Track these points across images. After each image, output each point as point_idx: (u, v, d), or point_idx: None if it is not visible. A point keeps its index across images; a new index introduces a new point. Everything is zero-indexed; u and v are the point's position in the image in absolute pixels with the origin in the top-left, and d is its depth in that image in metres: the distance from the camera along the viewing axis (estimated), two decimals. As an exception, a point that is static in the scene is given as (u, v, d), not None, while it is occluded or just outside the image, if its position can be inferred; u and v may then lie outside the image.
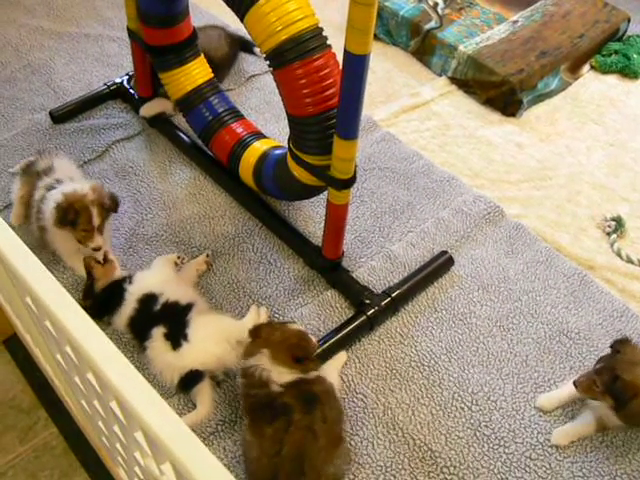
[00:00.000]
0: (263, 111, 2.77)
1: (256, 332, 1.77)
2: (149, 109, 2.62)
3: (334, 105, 1.79)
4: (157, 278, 1.99)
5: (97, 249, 2.03)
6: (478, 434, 1.86)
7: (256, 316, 2.00)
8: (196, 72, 2.39)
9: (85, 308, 0.92)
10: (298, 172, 1.98)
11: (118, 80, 2.75)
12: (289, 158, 1.99)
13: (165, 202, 2.38)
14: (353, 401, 1.90)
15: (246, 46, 2.98)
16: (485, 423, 1.88)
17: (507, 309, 2.15)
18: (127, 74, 2.77)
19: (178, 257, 2.13)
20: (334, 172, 1.85)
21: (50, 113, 2.63)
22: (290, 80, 1.80)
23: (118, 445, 1.19)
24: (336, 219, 2.00)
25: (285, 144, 2.40)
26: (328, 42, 1.80)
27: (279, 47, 1.76)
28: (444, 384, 1.96)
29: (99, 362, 0.82)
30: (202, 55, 2.42)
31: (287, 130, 2.59)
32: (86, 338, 0.83)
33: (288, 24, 1.74)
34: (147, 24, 2.28)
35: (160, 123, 2.63)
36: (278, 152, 2.15)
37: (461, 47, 2.90)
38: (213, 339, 1.85)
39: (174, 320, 1.86)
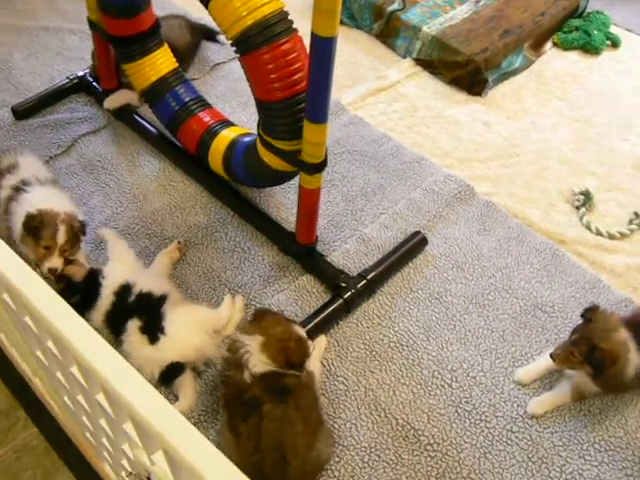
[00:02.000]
0: (229, 99, 2.75)
1: (260, 316, 1.76)
2: (114, 101, 2.59)
3: (302, 89, 1.78)
4: (124, 265, 1.97)
5: (52, 271, 1.96)
6: (459, 410, 1.88)
7: (231, 304, 1.99)
8: (161, 62, 2.37)
9: (73, 305, 0.90)
10: (268, 158, 1.97)
11: (81, 73, 2.71)
12: (259, 144, 1.98)
13: (135, 195, 2.36)
14: (334, 384, 1.91)
15: (209, 34, 2.96)
16: (466, 399, 1.90)
17: (482, 286, 2.17)
18: (89, 67, 2.72)
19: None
20: (305, 156, 1.84)
21: (12, 109, 2.59)
22: (257, 65, 1.79)
23: (104, 439, 1.17)
24: (309, 204, 2.00)
25: (254, 131, 2.39)
26: (294, 26, 1.80)
27: (245, 33, 1.75)
28: (423, 363, 1.97)
29: (85, 353, 0.81)
30: (166, 44, 2.40)
31: (255, 117, 2.59)
32: (71, 330, 0.82)
33: (253, 9, 1.73)
34: (108, 14, 2.25)
35: (126, 115, 2.60)
36: (247, 139, 2.14)
37: (425, 28, 2.91)
38: (191, 330, 1.84)
39: (149, 313, 1.84)
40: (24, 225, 1.95)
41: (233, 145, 2.16)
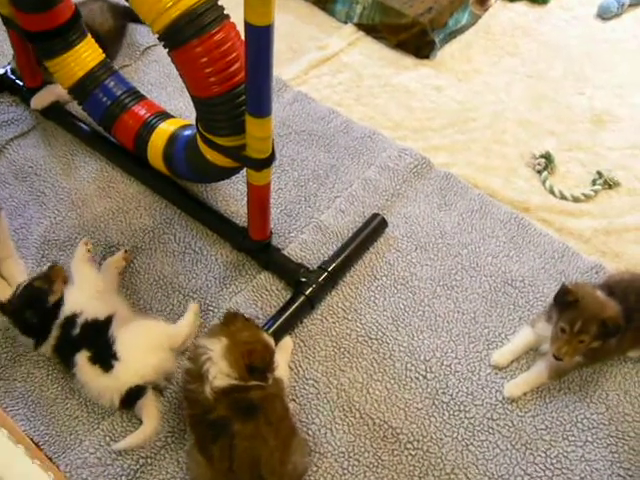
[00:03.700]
0: (165, 85, 2.58)
1: (229, 319, 1.67)
2: (41, 99, 2.40)
3: (241, 81, 1.65)
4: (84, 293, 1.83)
5: None
6: (437, 402, 1.81)
7: (195, 316, 1.88)
8: (86, 55, 2.18)
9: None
10: (211, 155, 1.84)
11: (1, 71, 2.50)
12: (199, 141, 1.84)
13: (74, 201, 2.20)
14: (304, 388, 1.82)
15: (135, 16, 2.74)
16: (442, 390, 1.83)
17: (448, 266, 2.08)
18: (9, 63, 2.51)
19: (86, 243, 1.95)
20: (250, 152, 1.72)
21: None
22: (189, 60, 1.65)
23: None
24: (259, 200, 1.88)
25: (194, 118, 2.25)
26: (225, 12, 1.65)
27: (172, 25, 1.61)
28: (395, 355, 1.89)
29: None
30: (89, 36, 2.21)
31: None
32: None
33: (178, -1, 1.58)
34: (21, 9, 2.05)
35: (55, 114, 2.42)
36: (187, 133, 2.00)
37: (365, -10, 2.76)
38: (147, 350, 1.72)
39: (96, 341, 1.72)
40: None
41: (173, 140, 2.02)
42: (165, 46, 1.67)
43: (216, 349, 1.58)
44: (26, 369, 1.84)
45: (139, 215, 2.17)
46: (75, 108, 2.38)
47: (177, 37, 1.62)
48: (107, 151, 2.32)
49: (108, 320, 1.75)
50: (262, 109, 1.60)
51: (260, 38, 1.47)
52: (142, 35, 2.76)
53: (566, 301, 1.75)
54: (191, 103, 2.43)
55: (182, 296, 1.98)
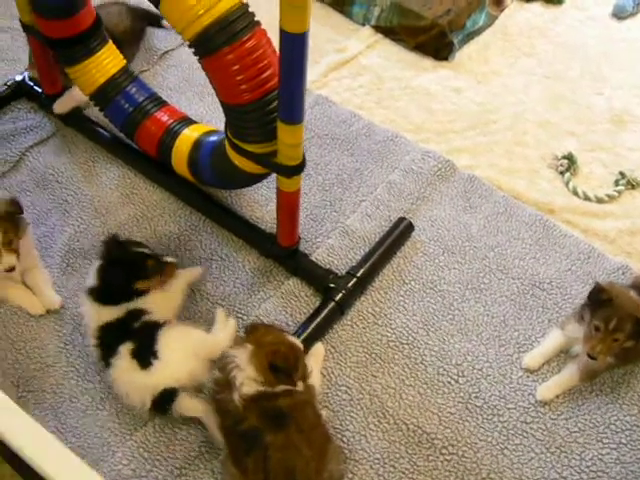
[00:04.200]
0: (184, 90, 2.56)
1: (253, 328, 1.69)
2: (64, 104, 2.38)
3: (273, 87, 1.65)
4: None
5: (10, 269, 1.80)
6: (470, 407, 1.80)
7: (226, 325, 1.86)
8: (107, 61, 2.17)
9: None
10: (239, 161, 1.83)
11: (19, 77, 2.48)
12: (228, 148, 1.83)
13: (97, 208, 2.19)
14: (337, 394, 1.81)
15: (153, 20, 2.74)
16: (475, 394, 1.82)
17: (476, 269, 2.08)
18: (26, 69, 2.48)
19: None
20: (281, 159, 1.71)
21: (-54, 127, 2.37)
22: (221, 68, 1.64)
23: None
24: (289, 206, 1.86)
25: (215, 123, 2.24)
26: (256, 19, 1.64)
27: (203, 33, 1.60)
28: (427, 360, 1.88)
29: None
30: (110, 42, 2.20)
31: (214, 108, 2.46)
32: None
33: (210, 6, 1.57)
34: (45, 17, 2.04)
35: (75, 120, 2.40)
36: (213, 139, 1.99)
37: (382, -7, 2.75)
38: (185, 354, 1.71)
39: (143, 337, 1.72)
40: None
41: (198, 146, 2.01)
42: (196, 53, 1.67)
43: (242, 356, 1.58)
44: (55, 380, 1.83)
45: (164, 222, 2.16)
46: (95, 113, 2.36)
47: (209, 45, 1.61)
48: (129, 157, 2.30)
49: (163, 324, 1.76)
50: (294, 116, 1.59)
51: (294, 45, 1.46)
52: (160, 39, 2.75)
53: (600, 299, 1.75)
54: (211, 108, 2.49)
55: (210, 303, 1.97)
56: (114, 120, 2.21)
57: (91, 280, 1.79)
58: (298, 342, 1.69)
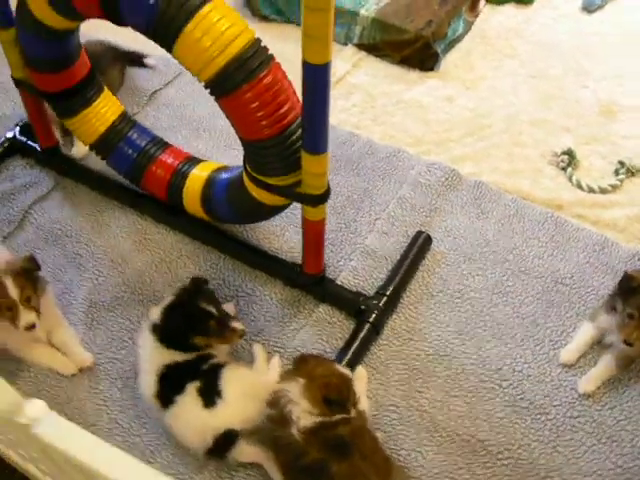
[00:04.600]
0: (179, 128, 2.55)
1: (301, 360, 1.68)
2: (82, 148, 2.36)
3: (292, 120, 1.65)
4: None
5: (29, 327, 1.75)
6: (517, 409, 1.82)
7: (264, 361, 1.87)
8: (105, 109, 2.16)
9: None
10: (258, 193, 1.82)
11: (9, 135, 2.44)
12: (247, 181, 1.83)
13: (112, 259, 2.16)
14: (386, 415, 1.81)
15: (134, 60, 2.71)
16: (519, 396, 1.84)
17: (498, 273, 2.10)
18: (17, 124, 2.46)
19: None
20: (307, 189, 1.71)
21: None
22: (240, 106, 1.63)
23: None
24: (315, 235, 1.87)
25: (215, 159, 2.23)
26: (269, 53, 1.64)
27: (221, 74, 1.59)
28: (467, 369, 1.90)
29: None
30: (106, 89, 2.19)
31: (212, 143, 2.46)
32: None
33: (225, 46, 1.56)
34: (39, 71, 2.02)
35: (72, 169, 2.38)
36: (226, 175, 1.99)
37: (362, 11, 2.78)
38: (248, 397, 1.70)
39: (209, 378, 1.70)
40: None
41: (210, 184, 2.00)
42: (213, 94, 1.66)
43: (294, 390, 1.57)
44: (111, 417, 1.81)
45: (183, 264, 2.14)
46: (94, 161, 2.33)
47: (226, 85, 1.60)
48: (135, 203, 2.28)
49: (223, 366, 1.74)
50: (319, 146, 1.60)
51: (317, 76, 1.47)
52: (146, 80, 2.73)
53: (631, 287, 1.78)
54: (209, 144, 2.48)
55: (244, 340, 1.94)
56: (118, 167, 2.20)
57: (155, 317, 1.77)
58: (347, 371, 1.70)
